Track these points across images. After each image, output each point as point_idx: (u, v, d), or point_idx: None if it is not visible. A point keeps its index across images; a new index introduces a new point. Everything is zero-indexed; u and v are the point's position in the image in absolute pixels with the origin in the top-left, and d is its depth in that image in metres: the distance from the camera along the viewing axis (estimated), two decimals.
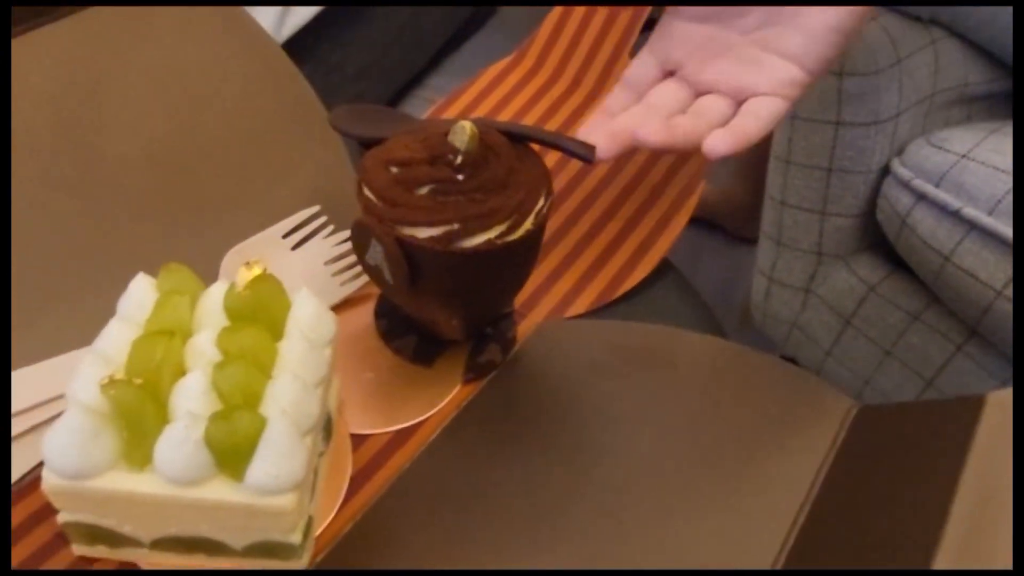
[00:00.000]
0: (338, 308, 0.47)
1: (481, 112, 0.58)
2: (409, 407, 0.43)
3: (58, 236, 0.43)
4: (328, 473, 0.40)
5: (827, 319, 0.79)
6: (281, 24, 1.15)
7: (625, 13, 0.59)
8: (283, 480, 0.32)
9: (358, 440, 0.42)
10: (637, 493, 0.39)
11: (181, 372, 0.34)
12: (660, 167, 0.55)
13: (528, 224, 0.38)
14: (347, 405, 0.43)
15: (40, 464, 0.37)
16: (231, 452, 0.31)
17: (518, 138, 0.40)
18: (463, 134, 0.38)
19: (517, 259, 0.40)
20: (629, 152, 0.42)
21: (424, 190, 0.38)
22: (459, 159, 0.38)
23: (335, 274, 0.48)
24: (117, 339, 0.34)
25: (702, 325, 0.51)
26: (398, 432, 0.43)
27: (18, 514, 0.38)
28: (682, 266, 0.53)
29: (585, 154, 0.40)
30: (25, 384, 0.39)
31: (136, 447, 0.32)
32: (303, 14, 1.18)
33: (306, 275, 0.48)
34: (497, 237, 0.38)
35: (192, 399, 0.32)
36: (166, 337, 0.33)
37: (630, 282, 0.50)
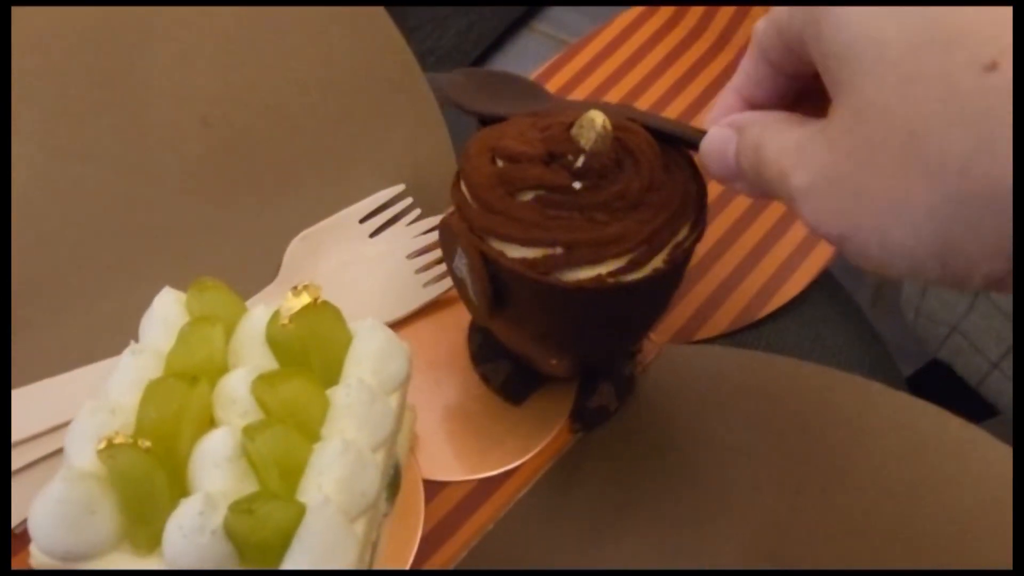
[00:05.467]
0: (423, 312, 0.39)
1: (610, 67, 0.48)
2: (498, 451, 0.35)
3: (85, 215, 0.36)
4: (395, 531, 0.33)
5: (998, 325, 0.67)
6: None
7: None
8: None
9: (433, 488, 0.34)
10: None
11: (207, 424, 0.26)
12: None
13: (658, 261, 0.29)
14: (422, 442, 0.35)
15: None
16: (257, 547, 0.24)
17: (669, 138, 0.30)
18: (590, 129, 0.28)
19: (638, 303, 0.30)
20: None
21: (529, 196, 0.29)
22: (580, 161, 0.29)
23: (419, 271, 0.40)
24: (129, 379, 0.26)
25: (866, 356, 0.41)
26: (482, 481, 0.35)
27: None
28: None
29: None
30: (33, 405, 0.32)
31: (142, 526, 0.25)
32: None
33: (385, 270, 0.40)
34: (610, 274, 0.28)
35: (215, 469, 0.25)
36: (188, 382, 0.26)
37: (780, 298, 0.41)
